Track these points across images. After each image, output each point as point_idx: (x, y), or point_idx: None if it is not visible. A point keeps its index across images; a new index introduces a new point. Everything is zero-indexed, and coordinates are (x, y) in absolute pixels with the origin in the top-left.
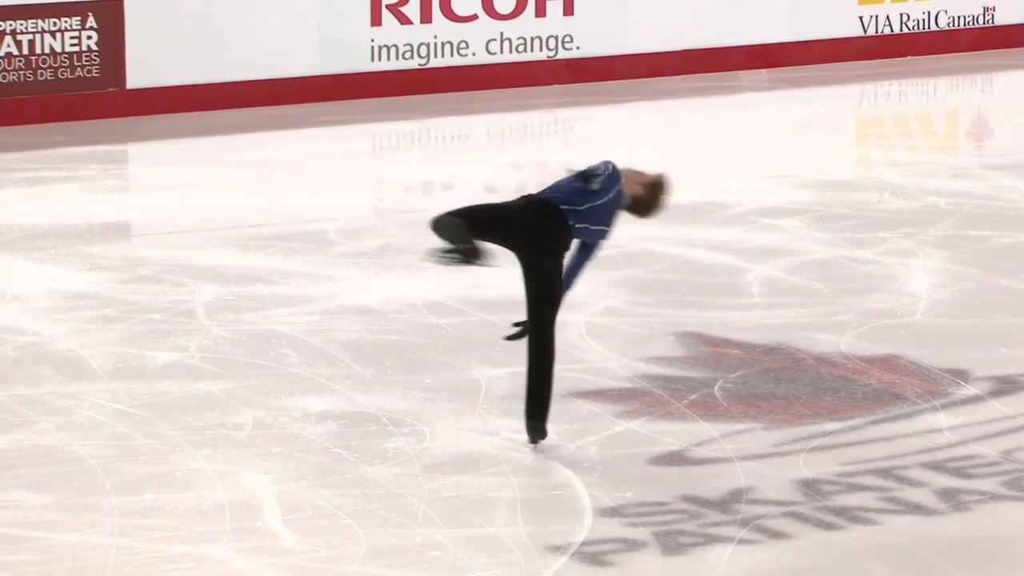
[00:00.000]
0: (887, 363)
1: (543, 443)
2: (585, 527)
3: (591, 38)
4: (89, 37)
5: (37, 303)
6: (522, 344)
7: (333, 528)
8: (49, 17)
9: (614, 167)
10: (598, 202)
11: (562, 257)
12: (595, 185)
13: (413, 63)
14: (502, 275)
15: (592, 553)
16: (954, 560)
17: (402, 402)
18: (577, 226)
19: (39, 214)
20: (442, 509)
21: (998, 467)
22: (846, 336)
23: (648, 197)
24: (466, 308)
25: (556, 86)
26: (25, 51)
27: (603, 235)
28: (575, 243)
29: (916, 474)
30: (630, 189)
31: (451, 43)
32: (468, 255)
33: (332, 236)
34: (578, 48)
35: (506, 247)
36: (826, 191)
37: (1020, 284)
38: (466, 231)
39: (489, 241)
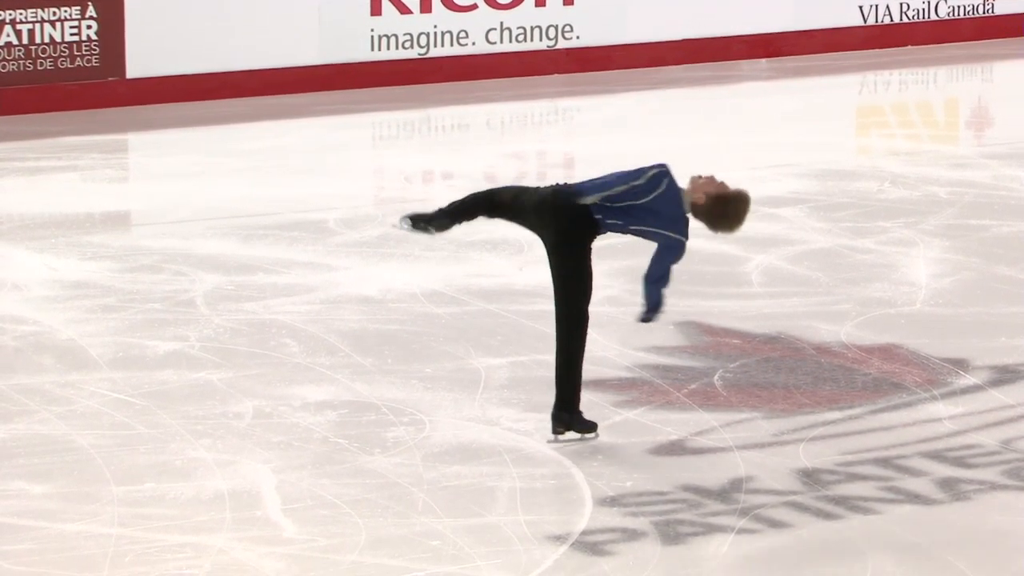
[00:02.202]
0: (887, 352)
1: (543, 432)
2: (585, 517)
3: (591, 27)
4: (89, 26)
5: (37, 292)
6: (522, 333)
7: (333, 517)
8: (49, 6)
9: (664, 169)
10: (638, 201)
11: (583, 251)
12: (639, 180)
13: (413, 53)
14: (502, 264)
15: (592, 543)
16: (954, 549)
17: (402, 391)
18: (607, 221)
19: (39, 203)
20: (442, 499)
21: (998, 456)
22: (846, 325)
23: (709, 209)
24: (466, 297)
25: (556, 75)
26: (25, 41)
27: (662, 237)
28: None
29: (916, 463)
30: (693, 197)
31: (451, 32)
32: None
33: (332, 225)
34: (578, 37)
35: (533, 232)
36: (827, 180)
37: (1020, 273)
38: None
39: (513, 221)
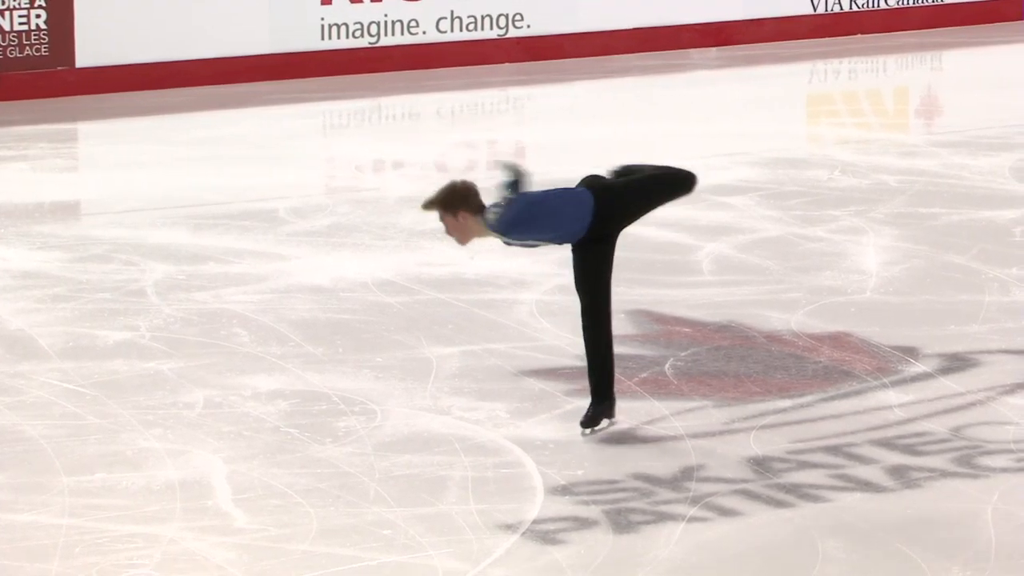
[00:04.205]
0: (837, 340)
1: (494, 421)
2: (536, 505)
3: (542, 16)
4: (38, 16)
5: None
6: (473, 322)
7: (284, 507)
8: None
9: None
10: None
11: (609, 246)
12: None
13: (363, 42)
14: (453, 254)
15: (543, 531)
16: (904, 537)
17: (353, 381)
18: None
19: None
20: (393, 488)
21: (948, 444)
22: (796, 314)
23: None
24: (417, 287)
25: (507, 64)
26: None
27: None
28: None
29: (866, 451)
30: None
31: (401, 21)
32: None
33: (283, 215)
34: (528, 26)
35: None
36: (777, 169)
37: (969, 261)
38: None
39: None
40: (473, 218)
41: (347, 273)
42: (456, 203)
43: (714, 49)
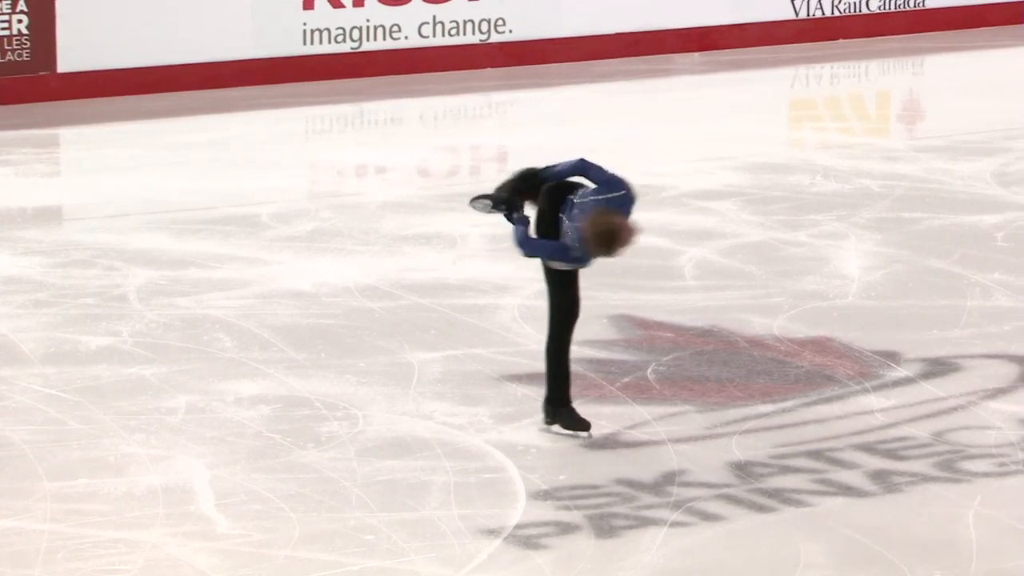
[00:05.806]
0: (819, 345)
1: (477, 426)
2: (519, 510)
3: (524, 21)
4: (20, 20)
5: None
6: (456, 327)
7: (267, 512)
8: None
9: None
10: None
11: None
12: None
13: (346, 47)
14: (435, 259)
15: (526, 536)
16: (885, 541)
17: (336, 386)
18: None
19: None
20: (376, 493)
21: (929, 448)
22: (779, 318)
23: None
24: (399, 292)
25: (490, 69)
26: None
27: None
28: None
29: (848, 456)
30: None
31: (384, 26)
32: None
33: (266, 220)
34: (511, 31)
35: None
36: (760, 174)
37: (951, 266)
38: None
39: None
40: None
41: (329, 278)
42: None
43: (698, 54)
